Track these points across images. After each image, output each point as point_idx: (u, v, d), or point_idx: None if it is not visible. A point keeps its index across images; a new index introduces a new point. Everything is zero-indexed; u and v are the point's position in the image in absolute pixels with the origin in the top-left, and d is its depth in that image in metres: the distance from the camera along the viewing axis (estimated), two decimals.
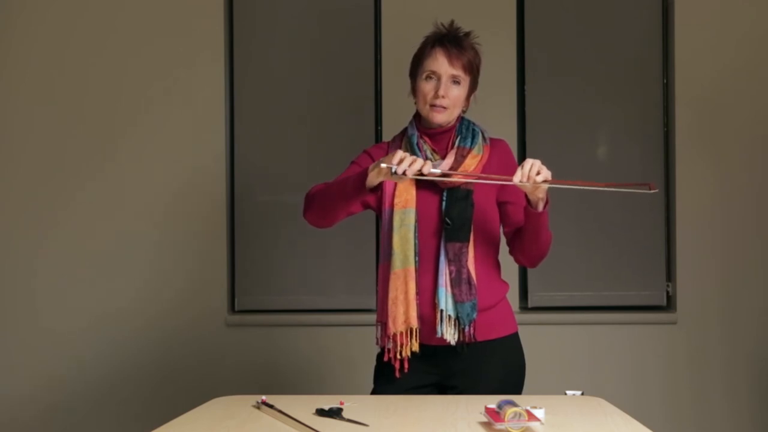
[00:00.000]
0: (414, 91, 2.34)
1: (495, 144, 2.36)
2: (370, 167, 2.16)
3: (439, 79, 2.27)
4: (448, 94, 2.26)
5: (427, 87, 2.28)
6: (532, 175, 2.07)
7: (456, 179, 2.25)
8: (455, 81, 2.27)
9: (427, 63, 2.28)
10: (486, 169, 2.30)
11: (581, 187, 2.18)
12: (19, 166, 3.73)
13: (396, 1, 3.69)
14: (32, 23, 3.73)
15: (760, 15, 3.64)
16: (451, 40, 2.28)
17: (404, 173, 2.05)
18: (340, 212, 2.29)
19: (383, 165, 2.08)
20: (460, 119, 2.35)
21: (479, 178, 2.23)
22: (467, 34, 2.31)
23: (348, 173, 2.34)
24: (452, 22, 2.32)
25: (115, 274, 3.69)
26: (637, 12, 3.72)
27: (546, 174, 2.08)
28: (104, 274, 3.69)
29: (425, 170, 2.07)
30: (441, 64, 2.26)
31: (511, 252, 2.36)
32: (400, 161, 2.05)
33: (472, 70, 2.30)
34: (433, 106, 2.27)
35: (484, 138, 2.34)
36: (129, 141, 3.71)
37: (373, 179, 2.14)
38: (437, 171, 2.13)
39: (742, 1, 3.65)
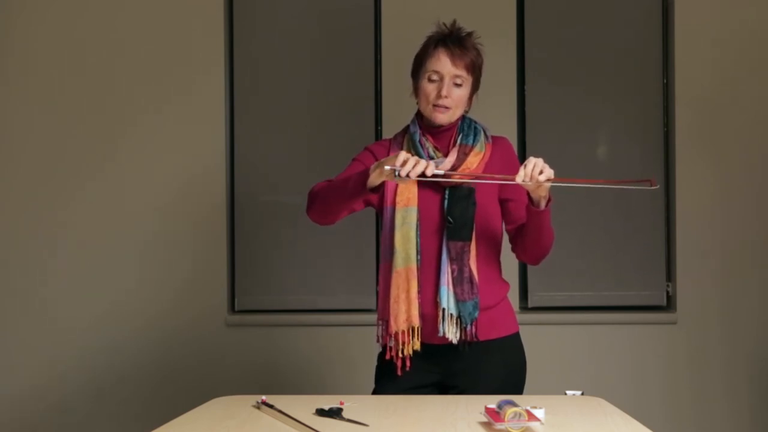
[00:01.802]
0: (416, 90, 2.34)
1: (497, 142, 2.36)
2: (372, 167, 2.15)
3: (441, 79, 2.27)
4: (450, 95, 2.27)
5: (429, 87, 2.28)
6: (535, 174, 2.07)
7: (458, 178, 2.25)
8: (458, 82, 2.27)
9: (430, 63, 2.28)
10: (488, 166, 2.30)
11: (583, 185, 2.18)
12: (19, 167, 3.73)
13: (396, 1, 3.69)
14: (32, 24, 3.73)
15: (760, 15, 3.64)
16: (453, 40, 2.28)
17: (407, 175, 2.05)
18: (341, 210, 2.29)
19: (386, 167, 2.08)
20: (462, 117, 2.35)
21: (482, 177, 2.24)
22: (470, 34, 2.31)
23: (350, 171, 2.34)
24: (454, 21, 2.32)
25: (115, 274, 3.69)
26: (637, 12, 3.72)
27: (549, 173, 2.08)
28: (104, 274, 3.69)
29: (428, 172, 2.06)
30: (444, 64, 2.26)
31: (513, 249, 2.36)
32: (404, 163, 2.05)
33: (475, 71, 2.30)
34: (435, 106, 2.27)
35: (486, 136, 2.34)
36: (129, 141, 3.71)
37: (374, 180, 2.14)
38: (440, 172, 2.13)
39: (741, 1, 3.65)
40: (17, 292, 3.71)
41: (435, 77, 2.28)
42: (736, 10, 3.64)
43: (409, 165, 2.05)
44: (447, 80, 2.26)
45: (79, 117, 3.71)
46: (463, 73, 2.27)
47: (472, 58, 2.28)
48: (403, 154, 2.07)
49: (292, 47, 3.76)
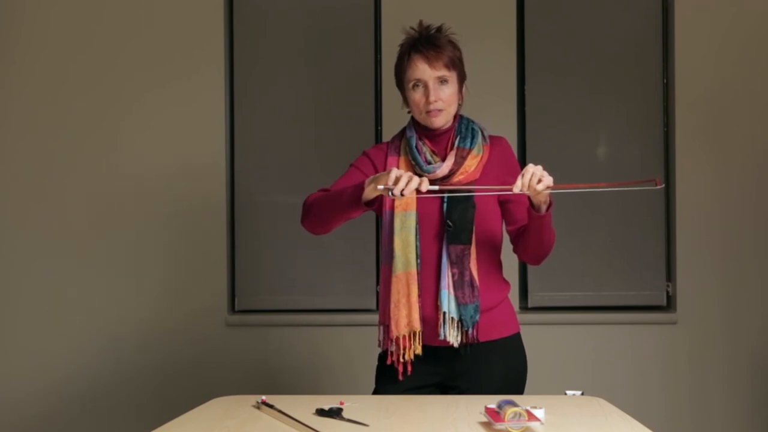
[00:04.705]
0: (405, 101, 2.32)
1: (495, 142, 2.35)
2: (367, 182, 2.14)
3: (425, 85, 2.25)
4: (439, 96, 2.25)
5: (417, 96, 2.27)
6: (533, 184, 2.04)
7: (456, 181, 2.25)
8: (442, 81, 2.25)
9: (410, 73, 2.26)
10: (486, 168, 2.29)
11: (585, 190, 2.16)
12: (18, 167, 3.73)
13: (396, 1, 3.69)
14: (35, 24, 3.73)
15: (760, 15, 3.64)
16: (424, 43, 2.25)
17: (401, 194, 2.03)
18: (337, 221, 2.29)
19: (379, 188, 2.07)
20: (459, 118, 2.34)
21: (477, 189, 2.22)
22: (439, 29, 2.29)
23: (346, 178, 2.33)
24: (420, 22, 2.30)
25: (115, 275, 3.69)
26: (637, 12, 3.72)
27: (547, 181, 2.06)
28: (104, 275, 3.69)
29: (422, 188, 2.05)
30: (423, 70, 2.24)
31: (514, 250, 2.36)
32: (396, 181, 2.03)
33: (456, 65, 2.27)
34: (428, 112, 2.26)
35: (483, 137, 2.33)
36: (129, 141, 3.71)
37: (369, 194, 2.13)
38: (435, 188, 2.11)
39: (742, 1, 3.64)
40: (18, 293, 3.71)
41: (419, 84, 2.26)
42: (736, 10, 3.63)
43: (402, 183, 2.03)
44: (431, 84, 2.24)
45: (79, 117, 3.71)
46: (444, 72, 2.25)
47: (448, 55, 2.25)
48: (395, 172, 2.05)
49: (292, 47, 3.76)
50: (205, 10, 3.71)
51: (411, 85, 2.27)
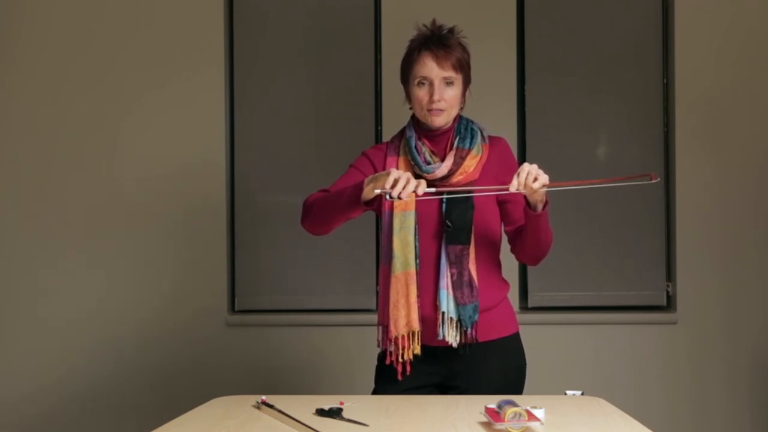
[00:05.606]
0: (408, 97, 2.33)
1: (494, 143, 2.35)
2: (366, 181, 2.15)
3: (431, 83, 2.25)
4: (443, 97, 2.25)
5: (420, 93, 2.27)
6: (529, 182, 2.05)
7: (455, 181, 2.25)
8: (448, 82, 2.26)
9: (417, 69, 2.26)
10: (486, 169, 2.29)
11: (580, 187, 2.17)
12: (18, 167, 3.73)
13: (396, 1, 3.69)
14: (35, 24, 3.73)
15: (760, 14, 3.64)
16: (435, 42, 2.25)
17: (399, 196, 2.04)
18: (337, 222, 2.29)
19: (377, 191, 2.07)
20: (458, 118, 2.34)
21: (475, 190, 2.23)
22: (451, 30, 2.29)
23: (346, 179, 2.33)
24: (434, 21, 2.30)
25: (115, 275, 3.69)
26: (637, 12, 3.72)
27: (543, 179, 2.06)
28: (104, 275, 3.69)
29: (419, 191, 2.05)
30: (431, 68, 2.24)
31: (512, 250, 2.36)
32: (394, 183, 2.04)
33: (463, 67, 2.28)
34: (430, 110, 2.26)
35: (483, 137, 2.33)
36: (129, 141, 3.71)
37: (368, 194, 2.14)
38: (432, 189, 2.11)
39: (742, 1, 3.64)
40: (17, 292, 3.71)
41: (424, 82, 2.26)
42: (736, 10, 3.63)
43: (400, 186, 2.03)
44: (437, 83, 2.24)
45: (79, 117, 3.71)
46: (451, 73, 2.25)
47: (457, 56, 2.26)
48: (394, 174, 2.06)
49: (292, 47, 3.76)
50: (205, 10, 3.71)
51: (416, 81, 2.27)
